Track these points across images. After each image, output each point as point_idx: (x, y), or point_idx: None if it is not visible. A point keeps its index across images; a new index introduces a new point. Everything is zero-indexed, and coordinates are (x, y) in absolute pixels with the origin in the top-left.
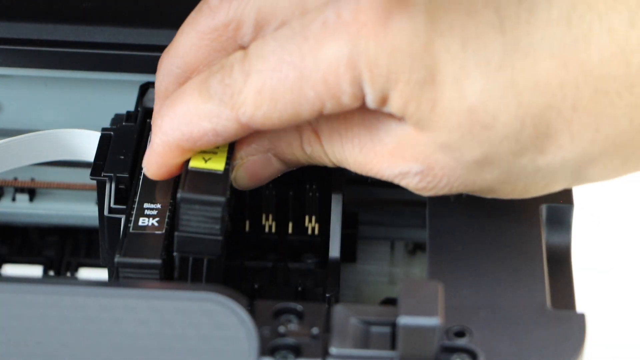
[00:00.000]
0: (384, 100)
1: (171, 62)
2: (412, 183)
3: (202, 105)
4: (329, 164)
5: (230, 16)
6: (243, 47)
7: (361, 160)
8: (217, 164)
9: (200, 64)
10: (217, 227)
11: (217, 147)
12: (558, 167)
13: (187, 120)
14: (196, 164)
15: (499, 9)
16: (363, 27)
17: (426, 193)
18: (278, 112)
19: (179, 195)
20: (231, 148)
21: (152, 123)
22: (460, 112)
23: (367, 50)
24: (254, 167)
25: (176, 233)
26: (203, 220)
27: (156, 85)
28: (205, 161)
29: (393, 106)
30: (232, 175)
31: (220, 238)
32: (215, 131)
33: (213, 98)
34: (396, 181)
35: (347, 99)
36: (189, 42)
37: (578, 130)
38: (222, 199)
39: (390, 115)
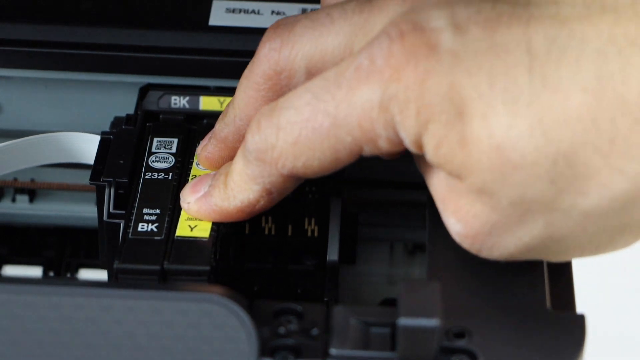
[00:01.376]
0: (419, 145)
1: (233, 113)
2: (457, 239)
3: (245, 170)
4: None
5: (282, 64)
6: None
7: (430, 189)
8: (202, 232)
9: None
10: None
11: None
12: (608, 210)
13: (240, 188)
14: (182, 232)
15: (530, 49)
16: (394, 71)
17: (474, 252)
18: (317, 160)
19: (165, 267)
20: None
21: (214, 183)
22: (490, 150)
23: (397, 93)
24: None
25: None
26: None
27: (216, 127)
28: (191, 229)
29: (428, 151)
30: None
31: None
32: (266, 190)
33: (251, 160)
34: (449, 230)
35: (384, 143)
36: (246, 94)
37: (620, 164)
38: (206, 267)
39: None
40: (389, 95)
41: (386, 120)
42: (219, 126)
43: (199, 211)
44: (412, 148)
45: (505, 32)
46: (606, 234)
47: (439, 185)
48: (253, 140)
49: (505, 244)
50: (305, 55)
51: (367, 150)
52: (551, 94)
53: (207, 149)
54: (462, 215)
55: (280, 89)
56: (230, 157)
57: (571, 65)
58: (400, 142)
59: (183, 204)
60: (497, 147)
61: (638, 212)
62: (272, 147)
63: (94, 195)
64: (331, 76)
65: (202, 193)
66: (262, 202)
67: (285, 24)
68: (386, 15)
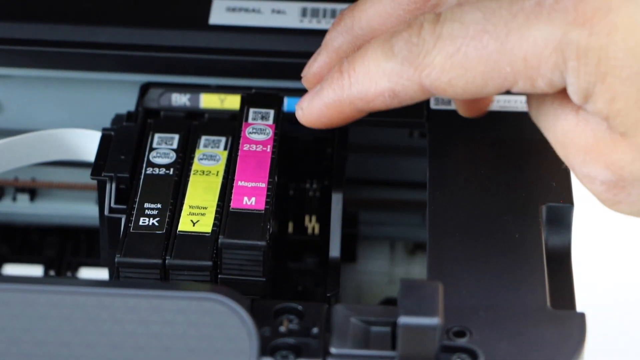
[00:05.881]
0: (587, 96)
1: (355, 21)
2: (596, 190)
3: (383, 63)
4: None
5: None
6: None
7: (561, 141)
8: (204, 227)
9: (385, 32)
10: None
11: (205, 207)
12: None
13: (365, 78)
14: (184, 227)
15: None
16: (581, 16)
17: (610, 206)
18: (464, 81)
19: (167, 262)
20: (219, 207)
21: (327, 76)
22: None
23: (579, 39)
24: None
25: None
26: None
27: (327, 38)
28: (193, 224)
29: (597, 102)
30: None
31: None
32: (393, 91)
33: (396, 56)
34: (582, 182)
35: (542, 84)
36: (381, 8)
37: None
38: (208, 263)
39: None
40: (569, 39)
41: (557, 62)
42: (330, 36)
43: (310, 109)
44: (576, 98)
45: None
46: None
47: (584, 134)
48: (410, 40)
49: None
50: None
51: (519, 87)
52: None
53: (317, 62)
54: (615, 169)
55: (421, 14)
56: None
57: None
58: (561, 86)
59: (298, 111)
60: None
61: None
62: (426, 54)
63: (94, 194)
64: (506, 1)
65: (315, 90)
66: (378, 101)
67: None
68: None
